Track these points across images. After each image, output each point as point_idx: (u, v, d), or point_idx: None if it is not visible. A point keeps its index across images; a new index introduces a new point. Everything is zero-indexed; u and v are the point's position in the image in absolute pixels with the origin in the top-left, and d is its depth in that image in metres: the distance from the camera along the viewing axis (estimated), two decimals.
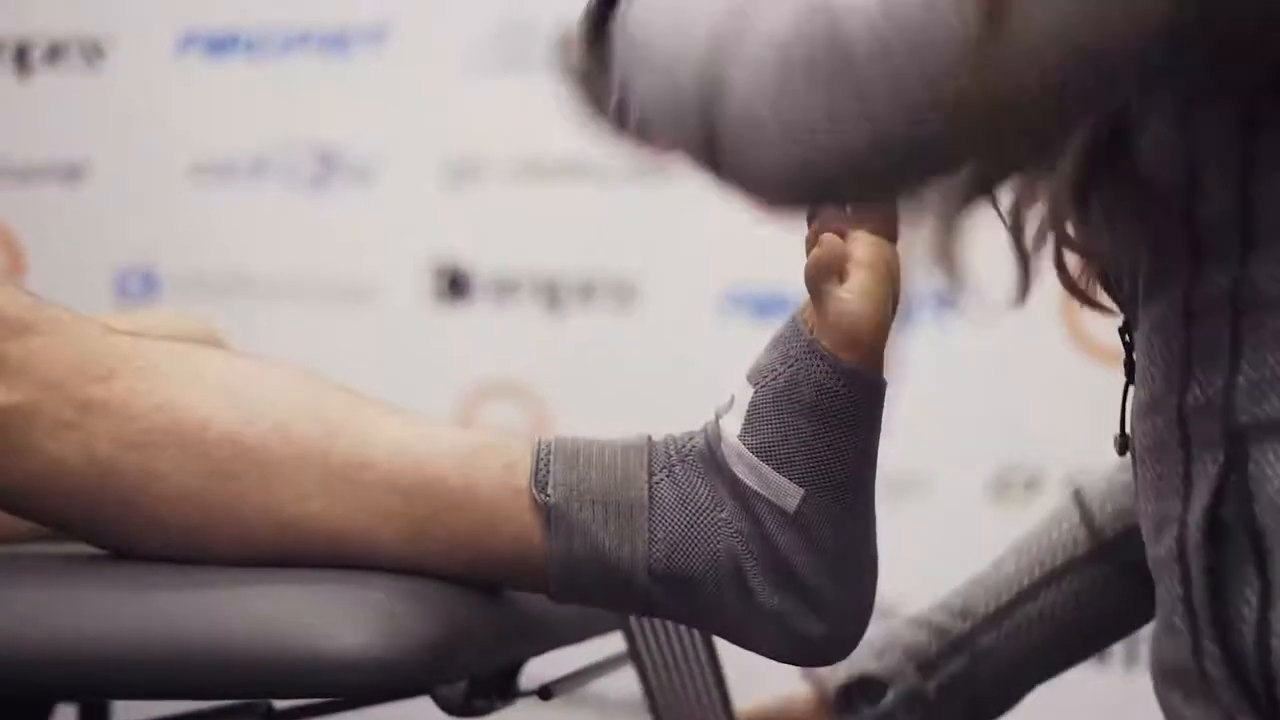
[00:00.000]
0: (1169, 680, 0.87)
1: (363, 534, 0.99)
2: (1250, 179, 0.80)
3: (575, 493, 0.98)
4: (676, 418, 1.03)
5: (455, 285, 2.48)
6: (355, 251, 2.54)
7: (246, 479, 0.99)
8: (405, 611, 0.93)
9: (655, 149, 0.87)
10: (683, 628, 1.21)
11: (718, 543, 0.97)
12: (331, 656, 0.91)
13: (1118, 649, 2.08)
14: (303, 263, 2.55)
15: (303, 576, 0.97)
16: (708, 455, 0.99)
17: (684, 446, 1.00)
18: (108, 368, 0.99)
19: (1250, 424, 0.80)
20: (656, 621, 1.20)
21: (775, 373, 0.98)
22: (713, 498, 0.98)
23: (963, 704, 1.29)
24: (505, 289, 2.45)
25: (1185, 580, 0.82)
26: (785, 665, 1.04)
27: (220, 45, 2.59)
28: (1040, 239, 0.96)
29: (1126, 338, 0.95)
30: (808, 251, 1.00)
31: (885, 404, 1.00)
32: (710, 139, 0.74)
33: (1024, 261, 0.97)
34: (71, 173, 2.62)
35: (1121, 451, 0.95)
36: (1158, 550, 0.86)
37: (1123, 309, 0.94)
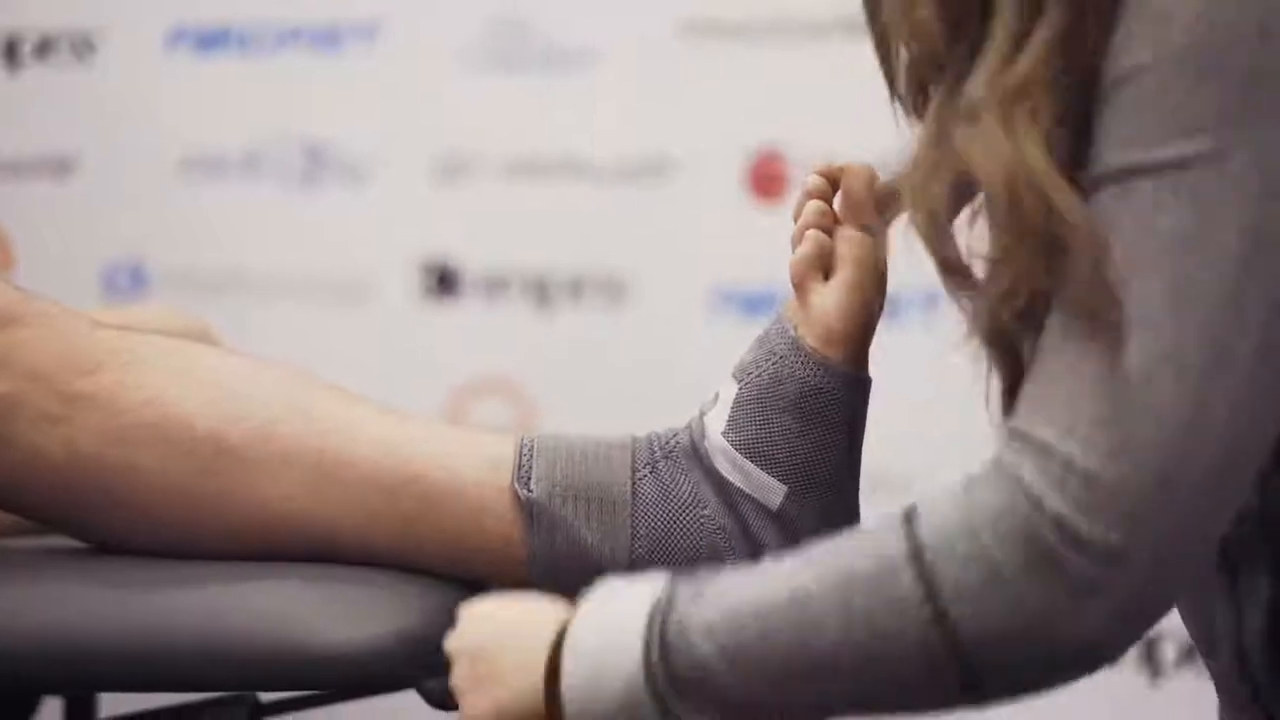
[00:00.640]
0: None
1: (348, 530, 0.99)
2: None
3: (558, 489, 0.98)
4: (665, 415, 1.03)
5: (445, 282, 2.47)
6: (345, 248, 2.53)
7: (232, 476, 0.99)
8: (390, 606, 0.93)
9: None
10: None
11: (700, 539, 0.97)
12: (316, 650, 0.91)
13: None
14: (292, 259, 2.55)
15: (288, 571, 0.97)
16: (691, 452, 0.99)
17: (668, 443, 1.00)
18: (95, 361, 0.99)
19: None
20: None
21: (760, 369, 0.99)
22: (696, 494, 0.98)
23: None
24: (495, 286, 2.45)
25: (1254, 692, 0.84)
26: None
27: (211, 40, 2.59)
28: None
29: None
30: (794, 249, 1.00)
31: (870, 401, 1.00)
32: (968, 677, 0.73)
33: None
34: (61, 167, 2.61)
35: None
36: (1218, 663, 0.87)
37: None
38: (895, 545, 0.73)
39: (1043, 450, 0.71)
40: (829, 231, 1.00)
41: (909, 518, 0.73)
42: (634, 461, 1.00)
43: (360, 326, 2.49)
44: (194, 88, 2.59)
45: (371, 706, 1.23)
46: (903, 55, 0.87)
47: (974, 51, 0.76)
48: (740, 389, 0.99)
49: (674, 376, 1.87)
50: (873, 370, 1.00)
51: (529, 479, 0.98)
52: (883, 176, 1.02)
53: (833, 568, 0.74)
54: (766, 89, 2.27)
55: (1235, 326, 0.69)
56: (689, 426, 1.01)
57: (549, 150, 2.37)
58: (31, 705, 1.41)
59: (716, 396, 1.01)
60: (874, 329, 0.99)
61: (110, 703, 1.20)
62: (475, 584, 1.02)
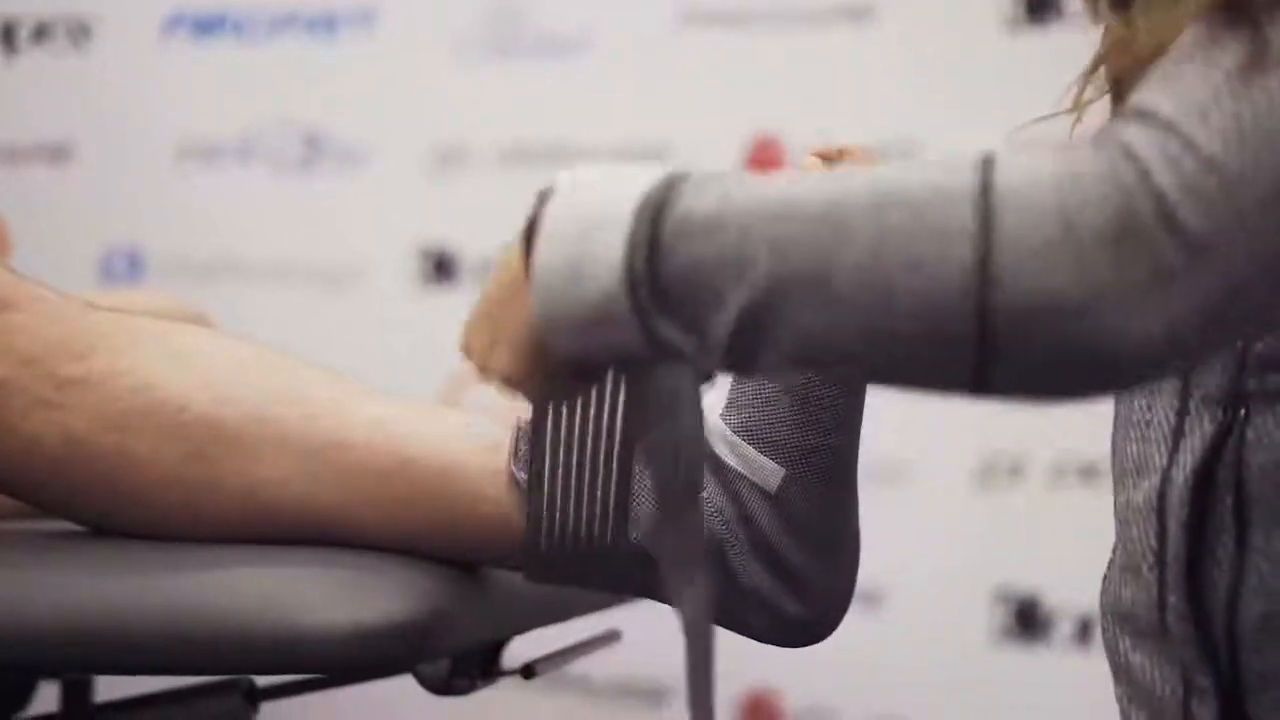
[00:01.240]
0: (1121, 623, 0.87)
1: (342, 514, 0.99)
2: None
3: (553, 471, 0.97)
4: None
5: (441, 268, 2.47)
6: (341, 234, 2.53)
7: (226, 461, 0.99)
8: (385, 590, 0.93)
9: (811, 372, 0.83)
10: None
11: None
12: (312, 634, 0.91)
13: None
14: (289, 245, 2.55)
15: (283, 555, 0.97)
16: None
17: None
18: (87, 344, 0.99)
19: (1257, 390, 0.79)
20: None
21: None
22: None
23: None
24: (491, 273, 2.44)
25: (1161, 533, 0.82)
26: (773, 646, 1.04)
27: (207, 27, 2.59)
28: None
29: None
30: None
31: (868, 387, 1.00)
32: (991, 334, 0.66)
33: None
34: (57, 153, 2.61)
35: None
36: (1133, 495, 0.85)
37: None
38: (962, 177, 0.66)
39: (1165, 126, 0.65)
40: None
41: (988, 159, 0.66)
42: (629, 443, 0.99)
43: (357, 313, 2.49)
44: (191, 74, 2.59)
45: (369, 691, 1.24)
46: None
47: None
48: None
49: None
50: None
51: (526, 461, 0.98)
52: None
53: (885, 180, 0.68)
54: (764, 75, 2.27)
55: None
56: None
57: (546, 137, 2.37)
58: (28, 689, 1.41)
59: (714, 379, 1.00)
60: None
61: (107, 687, 1.20)
62: (471, 566, 1.02)
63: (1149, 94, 0.66)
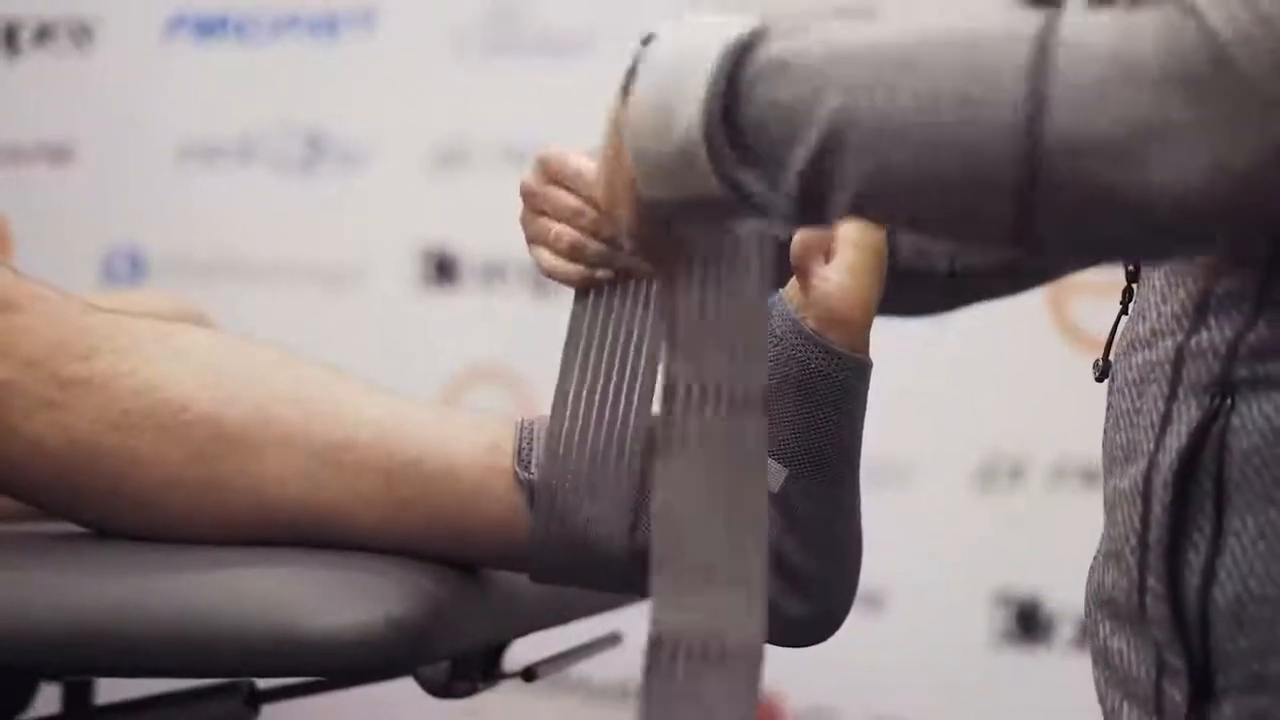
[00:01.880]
0: (1101, 608, 0.88)
1: (344, 515, 0.99)
2: None
3: (558, 471, 0.98)
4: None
5: (442, 269, 2.47)
6: (343, 235, 2.53)
7: (228, 461, 0.98)
8: (386, 592, 0.93)
9: (883, 221, 0.83)
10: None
11: None
12: (313, 636, 0.91)
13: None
14: (290, 245, 2.55)
15: (284, 557, 0.97)
16: None
17: None
18: (89, 346, 0.99)
19: (1246, 378, 0.80)
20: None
21: None
22: None
23: None
24: (492, 273, 2.44)
25: (1144, 517, 0.82)
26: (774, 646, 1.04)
27: (209, 28, 2.59)
28: None
29: (1130, 267, 0.94)
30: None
31: (870, 386, 1.00)
32: (1035, 185, 0.67)
33: None
34: (59, 154, 2.61)
35: (1100, 378, 0.95)
36: (1120, 481, 0.86)
37: None
38: (1027, 21, 0.67)
39: None
40: None
41: (1053, 10, 0.68)
42: (633, 444, 0.99)
43: (358, 313, 2.49)
44: (192, 75, 2.59)
45: (370, 693, 1.24)
46: None
47: None
48: None
49: None
50: (873, 354, 1.00)
51: (529, 461, 0.98)
52: None
53: (955, 26, 0.69)
54: None
55: None
56: None
57: (547, 137, 2.35)
58: (30, 690, 1.41)
59: None
60: (874, 312, 0.99)
61: (108, 689, 1.20)
62: (472, 568, 1.02)
63: None
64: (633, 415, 1.00)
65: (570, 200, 1.05)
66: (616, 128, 0.77)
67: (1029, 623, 2.13)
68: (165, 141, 2.58)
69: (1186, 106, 0.64)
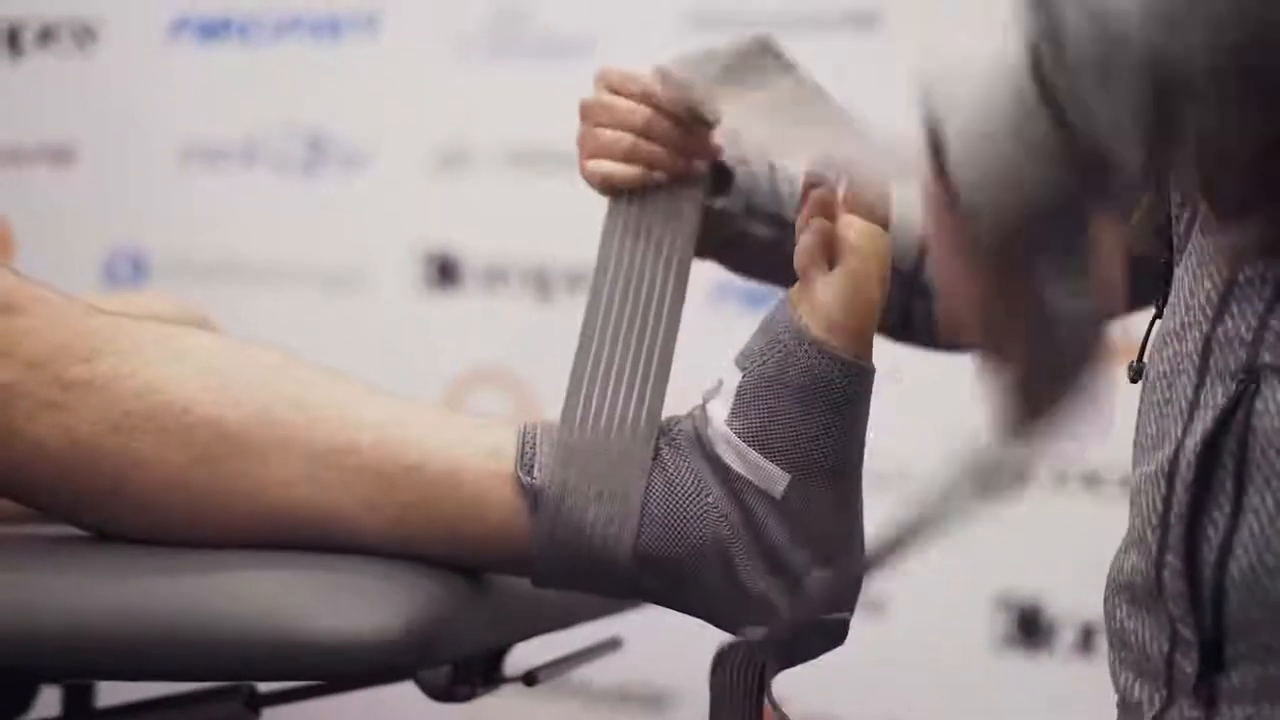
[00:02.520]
0: (1120, 591, 0.91)
1: (346, 518, 0.98)
2: None
3: (560, 476, 0.97)
4: (668, 406, 1.03)
5: (444, 272, 2.47)
6: (345, 237, 2.53)
7: (229, 463, 0.98)
8: (388, 595, 0.93)
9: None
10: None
11: (704, 528, 0.97)
12: (313, 640, 0.91)
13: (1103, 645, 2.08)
14: (292, 248, 2.55)
15: (285, 560, 0.97)
16: (694, 440, 0.99)
17: (671, 431, 1.00)
18: (91, 348, 0.99)
19: (1271, 364, 0.82)
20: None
21: (763, 357, 0.98)
22: (699, 483, 0.98)
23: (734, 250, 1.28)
24: (494, 276, 2.45)
25: (1167, 498, 0.85)
26: None
27: (212, 30, 2.59)
28: None
29: (1169, 268, 0.96)
30: (798, 236, 1.00)
31: (873, 391, 1.00)
32: None
33: None
34: (62, 155, 2.61)
35: (1134, 379, 0.97)
36: (1146, 467, 0.88)
37: (1173, 240, 0.96)
38: None
39: None
40: (833, 220, 1.00)
41: None
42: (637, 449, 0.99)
43: (360, 316, 2.49)
44: (195, 77, 2.60)
45: (370, 697, 1.23)
46: None
47: None
48: (744, 377, 0.98)
49: (674, 369, 1.87)
50: (876, 360, 1.00)
51: (531, 466, 0.98)
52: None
53: None
54: None
55: None
56: (692, 414, 1.00)
57: (549, 140, 2.37)
58: (30, 693, 1.41)
59: (720, 384, 1.00)
60: (878, 318, 0.99)
61: (108, 692, 1.20)
62: (475, 573, 1.01)
63: None
64: (644, 416, 1.01)
65: (626, 103, 1.14)
66: (938, 199, 0.77)
67: (1030, 627, 2.13)
68: (168, 143, 2.58)
69: None
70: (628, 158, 1.13)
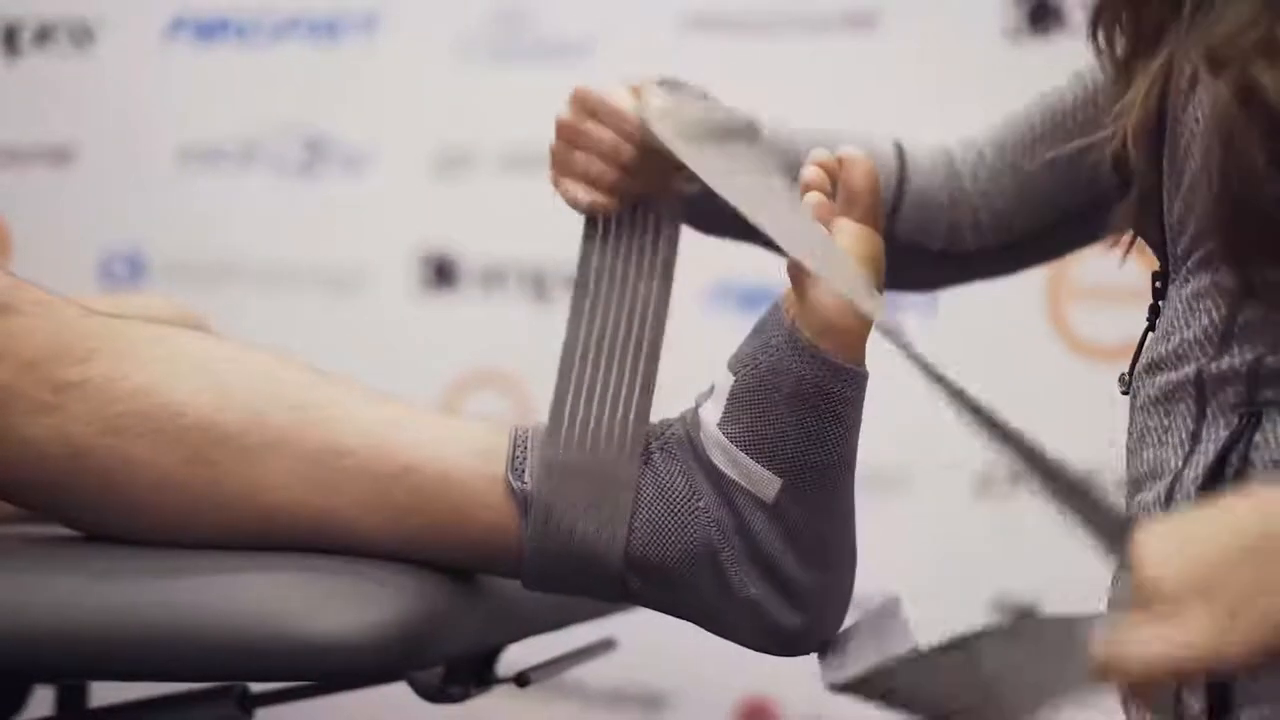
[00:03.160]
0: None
1: (338, 520, 0.98)
2: None
3: (551, 480, 0.97)
4: (662, 409, 1.03)
5: (442, 274, 2.47)
6: (343, 239, 2.53)
7: (223, 465, 0.98)
8: (380, 596, 0.93)
9: None
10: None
11: (695, 531, 0.97)
12: (306, 641, 0.91)
13: None
14: (290, 249, 2.55)
15: (278, 561, 0.97)
16: (686, 444, 0.99)
17: (663, 434, 1.00)
18: (86, 349, 0.99)
19: (1272, 399, 0.84)
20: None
21: (756, 361, 0.98)
22: (690, 486, 0.97)
23: None
24: (492, 278, 2.45)
25: None
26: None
27: (210, 30, 2.59)
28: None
29: (1158, 284, 0.98)
30: None
31: (866, 396, 1.00)
32: None
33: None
34: (59, 156, 2.61)
35: (1125, 391, 0.97)
36: (1145, 495, 0.89)
37: (1165, 260, 0.97)
38: None
39: None
40: (826, 223, 1.00)
41: None
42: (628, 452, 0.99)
43: (358, 317, 2.49)
44: (193, 78, 2.60)
45: (363, 698, 1.23)
46: None
47: None
48: (736, 381, 0.98)
49: (669, 371, 1.87)
50: (871, 360, 1.00)
51: (522, 470, 0.98)
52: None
53: None
54: (766, 83, 2.27)
55: None
56: (684, 418, 1.00)
57: (548, 142, 2.36)
58: (24, 693, 1.41)
59: (712, 388, 1.00)
60: (871, 322, 0.99)
61: (101, 692, 1.20)
62: (467, 574, 1.01)
63: None
64: (630, 420, 1.00)
65: (607, 135, 1.10)
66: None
67: None
68: (165, 144, 2.58)
69: None
70: (597, 184, 1.10)
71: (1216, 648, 0.65)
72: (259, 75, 2.57)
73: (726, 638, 1.00)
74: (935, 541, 2.17)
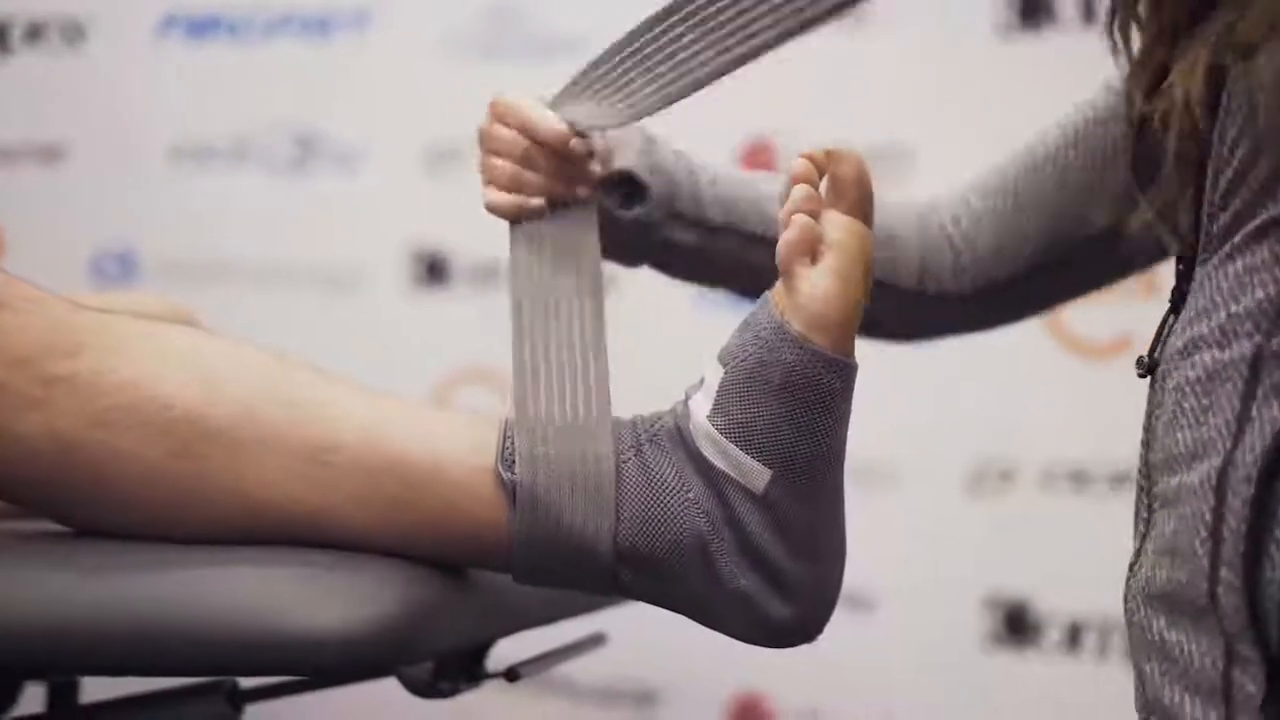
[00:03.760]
0: (1157, 602, 0.91)
1: (328, 514, 0.98)
2: None
3: (541, 472, 0.97)
4: (651, 401, 1.03)
5: (434, 271, 2.47)
6: (335, 236, 2.53)
7: (212, 459, 0.98)
8: (369, 591, 0.93)
9: None
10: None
11: (684, 523, 0.97)
12: (295, 636, 0.91)
13: (1090, 642, 2.09)
14: (282, 247, 2.55)
15: (268, 556, 0.97)
16: (676, 435, 0.99)
17: (652, 426, 1.00)
18: (75, 344, 0.98)
19: None
20: None
21: (745, 353, 0.98)
22: (680, 478, 0.98)
23: (666, 252, 1.31)
24: (484, 275, 2.45)
25: (1218, 511, 0.86)
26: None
27: (201, 28, 2.59)
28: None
29: (1181, 266, 0.98)
30: (781, 234, 1.00)
31: (855, 388, 1.00)
32: None
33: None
34: (51, 154, 2.61)
35: (1144, 374, 0.98)
36: (1187, 477, 0.89)
37: (1190, 242, 0.97)
38: None
39: None
40: (816, 216, 1.00)
41: None
42: (618, 445, 0.99)
43: (350, 315, 2.49)
44: (185, 75, 2.60)
45: (353, 693, 1.23)
46: None
47: None
48: (726, 373, 0.98)
49: (660, 365, 1.87)
50: (861, 357, 1.00)
51: (512, 461, 0.98)
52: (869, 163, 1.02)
53: None
54: (757, 79, 2.26)
55: None
56: (673, 410, 1.00)
57: None
58: (14, 689, 1.41)
59: (702, 380, 1.00)
60: (860, 315, 0.99)
61: (92, 688, 1.19)
62: (458, 568, 1.01)
63: None
64: (594, 403, 1.02)
65: (509, 134, 1.19)
66: None
67: (1018, 626, 2.14)
68: (157, 142, 2.58)
69: None
70: (510, 186, 1.18)
71: None
72: (251, 73, 2.57)
73: (716, 629, 1.00)
74: (925, 538, 2.17)
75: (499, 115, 1.20)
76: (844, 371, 0.98)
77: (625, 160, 1.24)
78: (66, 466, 0.98)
